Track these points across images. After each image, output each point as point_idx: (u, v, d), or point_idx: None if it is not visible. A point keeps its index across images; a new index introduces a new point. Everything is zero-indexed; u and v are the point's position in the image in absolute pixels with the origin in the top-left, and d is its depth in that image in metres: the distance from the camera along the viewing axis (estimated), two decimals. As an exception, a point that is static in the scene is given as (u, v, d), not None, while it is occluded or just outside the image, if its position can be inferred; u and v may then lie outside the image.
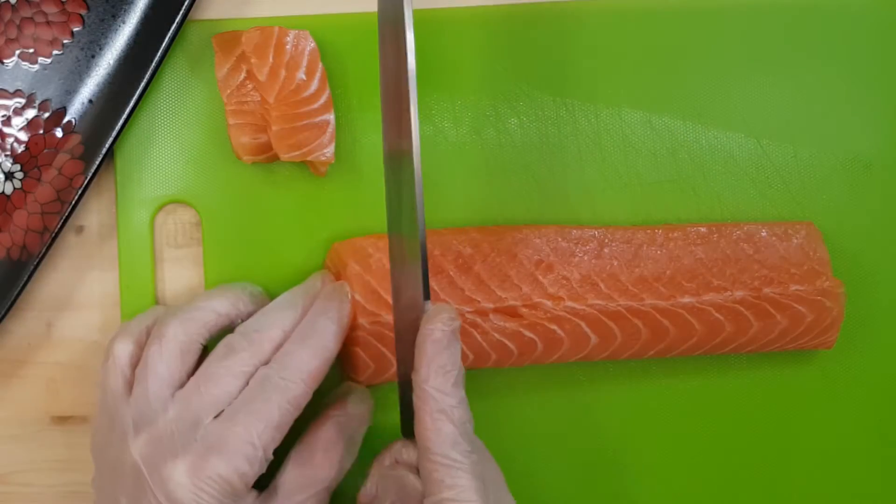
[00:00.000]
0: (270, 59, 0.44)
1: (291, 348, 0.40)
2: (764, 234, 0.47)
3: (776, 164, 0.49)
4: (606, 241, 0.46)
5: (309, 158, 0.45)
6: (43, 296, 0.48)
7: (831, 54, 0.49)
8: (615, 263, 0.45)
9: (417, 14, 0.48)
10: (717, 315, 0.46)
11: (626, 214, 0.48)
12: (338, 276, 0.44)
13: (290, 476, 0.41)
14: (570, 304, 0.45)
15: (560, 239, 0.45)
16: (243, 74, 0.45)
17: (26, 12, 0.46)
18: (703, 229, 0.47)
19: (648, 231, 0.46)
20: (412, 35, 0.36)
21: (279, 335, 0.41)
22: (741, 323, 0.46)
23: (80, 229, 0.48)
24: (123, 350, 0.41)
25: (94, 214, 0.48)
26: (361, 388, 0.44)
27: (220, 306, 0.42)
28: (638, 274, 0.46)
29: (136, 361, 0.41)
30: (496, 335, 0.44)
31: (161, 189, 0.47)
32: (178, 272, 0.47)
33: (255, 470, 0.38)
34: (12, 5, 0.45)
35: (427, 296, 0.38)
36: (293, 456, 0.41)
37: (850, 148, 0.49)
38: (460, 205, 0.47)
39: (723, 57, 0.49)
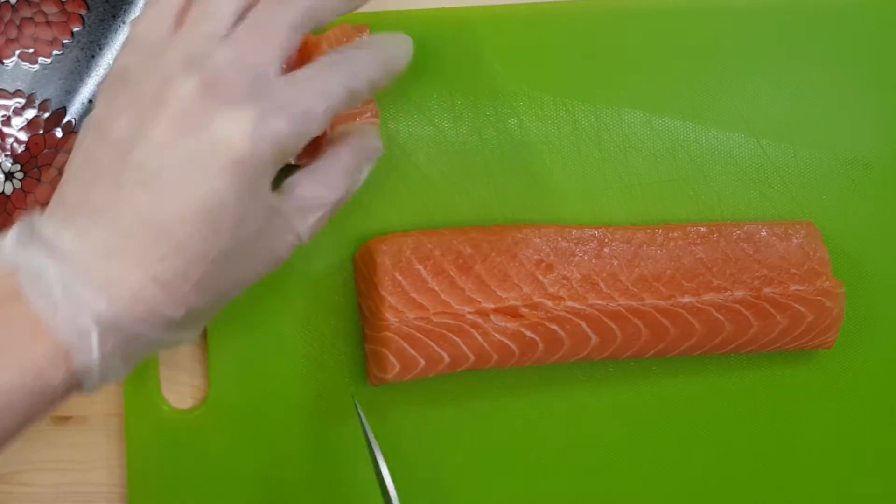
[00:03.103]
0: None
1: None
2: (764, 233, 0.47)
3: (776, 164, 0.49)
4: (606, 240, 0.46)
5: (301, 163, 0.44)
6: (43, 296, 0.48)
7: (831, 54, 0.49)
8: (615, 263, 0.45)
9: (418, 14, 0.48)
10: (716, 315, 0.46)
11: (626, 214, 0.48)
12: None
13: (306, 188, 0.38)
14: (570, 303, 0.45)
15: (560, 239, 0.45)
16: (243, 74, 0.45)
17: (26, 12, 0.46)
18: (702, 229, 0.47)
19: (648, 231, 0.46)
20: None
21: None
22: (741, 323, 0.46)
23: (80, 229, 0.48)
24: None
25: (94, 214, 0.48)
26: (374, 122, 0.44)
27: None
28: (638, 274, 0.46)
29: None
30: (497, 336, 0.44)
31: (161, 189, 0.47)
32: (178, 272, 0.47)
33: (311, 133, 0.36)
34: (12, 5, 0.46)
35: None
36: (310, 171, 0.39)
37: (850, 148, 0.49)
38: (460, 205, 0.47)
39: (723, 57, 0.49)
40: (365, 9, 0.47)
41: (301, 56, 0.44)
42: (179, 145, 0.33)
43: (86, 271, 0.32)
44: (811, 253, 0.47)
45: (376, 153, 0.41)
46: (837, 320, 0.47)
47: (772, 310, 0.46)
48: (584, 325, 0.45)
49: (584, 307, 0.45)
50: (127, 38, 0.38)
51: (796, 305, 0.46)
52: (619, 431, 0.48)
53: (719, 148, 0.49)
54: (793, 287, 0.46)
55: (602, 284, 0.45)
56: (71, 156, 0.36)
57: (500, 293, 0.44)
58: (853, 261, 0.49)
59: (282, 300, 0.46)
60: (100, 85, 0.38)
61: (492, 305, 0.44)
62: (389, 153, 0.47)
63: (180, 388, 0.47)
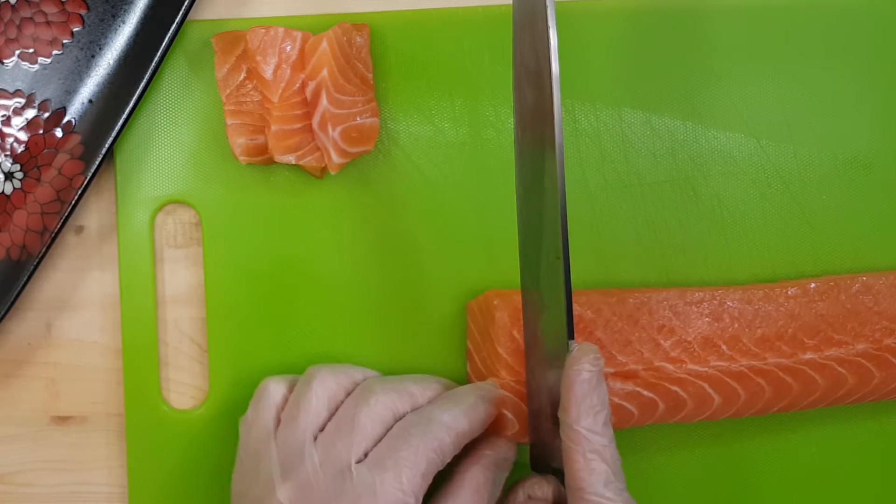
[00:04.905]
0: (277, 58, 0.44)
1: (440, 403, 0.40)
2: (882, 284, 0.47)
3: (776, 164, 0.49)
4: (727, 302, 0.45)
5: (301, 163, 0.45)
6: (43, 296, 0.48)
7: (831, 54, 0.49)
8: (736, 325, 0.45)
9: (417, 15, 0.48)
10: (839, 369, 0.45)
11: (625, 215, 0.48)
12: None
13: None
14: (691, 366, 0.45)
15: (681, 302, 0.45)
16: (243, 74, 0.45)
17: (26, 12, 0.46)
18: (816, 285, 0.46)
19: (767, 289, 0.46)
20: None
21: (421, 391, 0.41)
22: (863, 375, 0.46)
23: (80, 229, 0.48)
24: (278, 389, 0.42)
25: (94, 214, 0.48)
26: (505, 439, 0.43)
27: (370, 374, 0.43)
28: (760, 334, 0.45)
29: (284, 404, 0.41)
30: (615, 399, 0.43)
31: (161, 189, 0.47)
32: (178, 272, 0.47)
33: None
34: (12, 5, 0.45)
35: (571, 334, 0.37)
36: (441, 499, 0.40)
37: (850, 148, 0.49)
38: (459, 205, 0.47)
39: (723, 57, 0.49)
40: (365, 9, 0.48)
41: (301, 57, 0.44)
42: None
43: None
44: None
45: (508, 464, 0.42)
46: None
47: (893, 360, 0.46)
48: (706, 385, 0.44)
49: (705, 369, 0.45)
50: (242, 440, 0.42)
51: None
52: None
53: (719, 148, 0.49)
54: None
55: (724, 346, 0.45)
56: None
57: (620, 358, 0.44)
58: (853, 261, 0.49)
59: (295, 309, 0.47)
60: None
61: (611, 370, 0.44)
62: (389, 153, 0.47)
63: (180, 388, 0.47)
